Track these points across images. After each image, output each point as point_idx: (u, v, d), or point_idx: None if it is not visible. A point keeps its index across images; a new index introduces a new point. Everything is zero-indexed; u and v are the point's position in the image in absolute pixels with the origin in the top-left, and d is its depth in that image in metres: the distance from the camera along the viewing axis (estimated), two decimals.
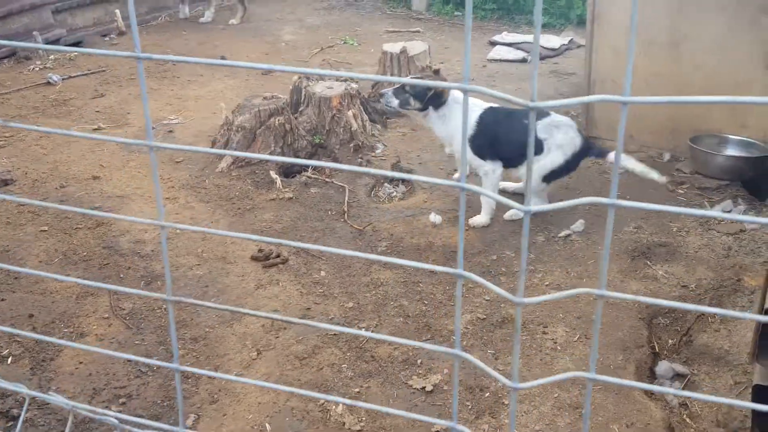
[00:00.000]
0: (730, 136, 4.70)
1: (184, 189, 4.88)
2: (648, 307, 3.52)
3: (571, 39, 7.87)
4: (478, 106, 4.42)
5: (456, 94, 4.37)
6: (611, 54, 5.09)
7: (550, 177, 4.36)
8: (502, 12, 8.84)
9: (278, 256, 4.16)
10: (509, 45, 7.71)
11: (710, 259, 3.85)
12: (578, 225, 4.26)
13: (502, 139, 4.31)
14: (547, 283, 3.81)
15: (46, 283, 3.86)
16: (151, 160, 1.11)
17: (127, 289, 1.19)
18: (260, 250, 4.19)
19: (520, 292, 0.91)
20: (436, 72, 4.78)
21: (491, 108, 4.42)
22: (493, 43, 7.88)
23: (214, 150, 1.10)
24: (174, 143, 5.53)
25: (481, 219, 4.46)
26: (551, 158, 4.30)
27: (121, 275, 3.94)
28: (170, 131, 5.74)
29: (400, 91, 4.39)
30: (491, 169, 4.39)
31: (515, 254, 4.10)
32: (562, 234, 4.23)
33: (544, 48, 7.55)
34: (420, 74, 5.01)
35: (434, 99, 4.31)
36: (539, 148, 4.30)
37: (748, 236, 4.01)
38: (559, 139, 4.30)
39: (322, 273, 4.03)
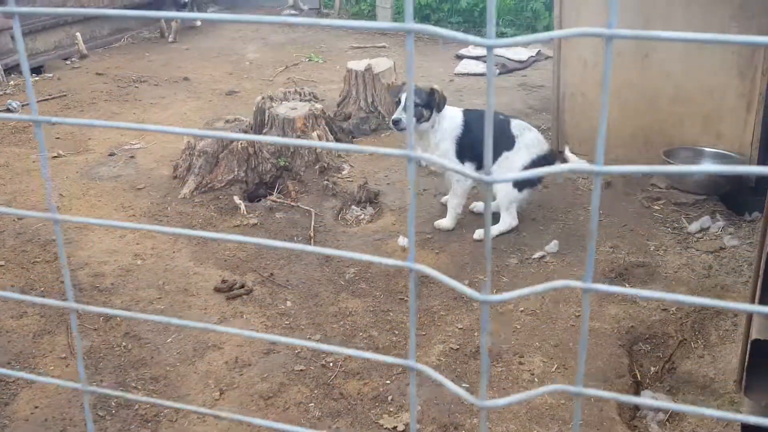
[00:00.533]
0: (705, 149, 4.62)
1: (146, 217, 4.68)
2: (628, 332, 3.40)
3: (539, 51, 7.80)
4: (458, 110, 4.55)
5: (450, 115, 4.46)
6: (580, 66, 5.01)
7: (520, 183, 4.44)
8: (468, 25, 8.77)
9: (242, 286, 3.99)
10: (476, 58, 7.62)
11: (690, 280, 3.74)
12: (552, 246, 4.14)
13: (476, 136, 4.44)
14: (521, 309, 3.67)
15: (2, 322, 3.66)
16: (38, 137, 0.99)
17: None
18: (224, 281, 4.01)
19: (483, 391, 0.76)
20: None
21: (468, 110, 4.62)
22: (460, 57, 7.79)
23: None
24: (136, 169, 5.34)
25: (446, 222, 4.51)
26: (520, 156, 4.43)
27: (80, 311, 3.74)
28: (132, 156, 5.54)
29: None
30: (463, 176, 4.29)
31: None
32: (536, 255, 4.11)
33: (512, 60, 7.48)
34: (403, 85, 4.81)
35: (443, 103, 4.38)
36: (511, 143, 4.45)
37: (728, 254, 3.92)
38: (528, 138, 4.47)
39: (288, 303, 3.87)
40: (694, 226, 4.15)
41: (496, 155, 4.42)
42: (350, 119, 5.91)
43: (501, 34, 8.49)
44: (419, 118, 4.33)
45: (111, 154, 5.57)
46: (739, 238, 4.06)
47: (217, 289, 3.97)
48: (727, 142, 4.61)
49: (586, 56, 4.96)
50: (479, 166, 4.36)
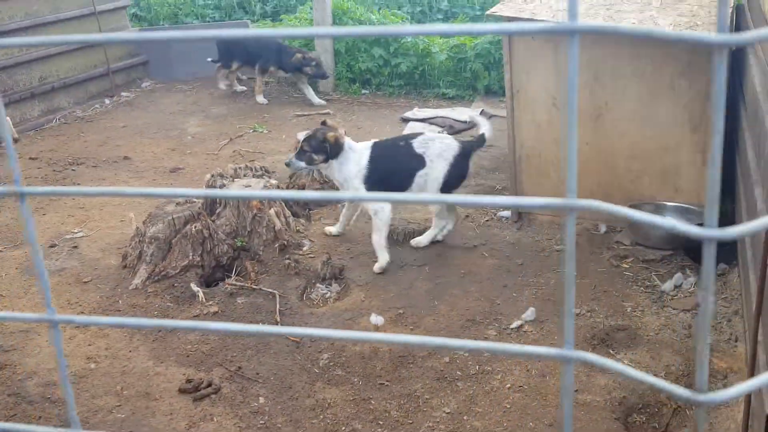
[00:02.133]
0: (666, 203, 4.64)
1: (95, 313, 4.37)
2: (621, 403, 3.29)
3: (482, 110, 7.86)
4: (366, 147, 4.80)
5: (350, 143, 4.74)
6: (534, 128, 5.01)
7: (446, 187, 4.73)
8: (409, 87, 8.80)
9: (209, 385, 3.72)
10: (422, 121, 7.62)
11: (673, 342, 3.68)
12: (529, 313, 4.03)
13: (391, 167, 4.75)
14: (508, 385, 3.53)
15: None
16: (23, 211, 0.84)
17: None
18: (188, 381, 3.73)
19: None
20: (324, 123, 5.00)
21: (376, 143, 4.88)
22: (405, 120, 7.77)
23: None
24: (80, 259, 5.02)
25: (380, 264, 4.69)
26: (436, 167, 4.73)
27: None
28: (75, 246, 5.22)
29: (302, 153, 4.70)
30: (380, 207, 4.69)
31: (469, 353, 3.81)
32: (514, 325, 3.99)
33: (458, 121, 7.50)
34: (311, 131, 4.86)
35: (335, 150, 4.65)
36: (422, 162, 4.74)
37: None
38: (436, 149, 4.74)
39: (261, 399, 3.62)
40: (667, 285, 4.12)
41: (410, 179, 4.74)
42: (304, 190, 5.76)
43: (443, 95, 8.55)
44: (309, 162, 4.69)
45: (52, 246, 5.24)
46: (713, 293, 4.04)
47: (182, 390, 3.69)
48: (685, 195, 4.65)
49: (539, 117, 4.97)
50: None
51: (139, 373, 3.82)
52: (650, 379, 0.75)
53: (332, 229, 5.15)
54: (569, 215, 0.68)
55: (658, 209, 4.66)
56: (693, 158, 4.57)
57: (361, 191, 4.64)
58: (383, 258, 4.67)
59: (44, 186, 6.33)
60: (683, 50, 4.33)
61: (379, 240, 4.71)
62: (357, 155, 4.74)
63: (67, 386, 0.89)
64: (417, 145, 4.75)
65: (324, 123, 5.00)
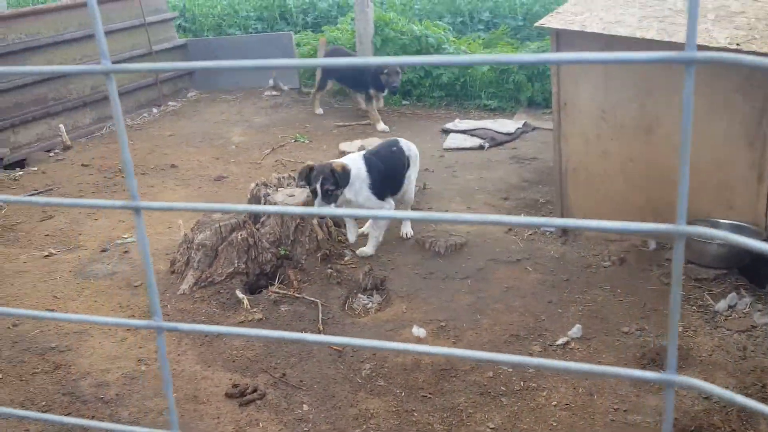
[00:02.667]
0: (720, 221, 4.54)
1: (145, 317, 4.44)
2: (673, 426, 3.22)
3: (525, 122, 7.83)
4: (357, 158, 5.00)
5: (354, 172, 4.82)
6: (581, 141, 4.96)
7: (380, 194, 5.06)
8: (450, 99, 8.80)
9: (255, 390, 3.75)
10: (463, 132, 7.61)
11: (727, 363, 3.60)
12: (576, 330, 3.98)
13: (387, 171, 5.04)
14: (554, 402, 3.48)
15: None
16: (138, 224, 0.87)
17: None
18: (235, 386, 3.77)
19: None
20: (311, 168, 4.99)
21: (366, 152, 5.15)
22: (446, 131, 7.77)
23: None
24: (131, 264, 5.11)
25: (368, 249, 5.06)
26: (414, 169, 5.34)
27: (85, 426, 3.47)
28: (126, 251, 5.32)
29: (326, 195, 4.68)
30: (388, 206, 5.06)
31: (513, 369, 3.78)
32: (560, 342, 3.94)
33: (500, 133, 7.47)
34: (317, 168, 4.77)
35: (343, 179, 4.73)
36: (408, 163, 5.24)
37: (761, 333, 3.79)
38: (414, 151, 5.32)
39: (305, 407, 3.63)
40: (721, 305, 4.03)
41: (402, 179, 5.21)
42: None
43: (484, 107, 8.53)
44: (336, 199, 4.72)
45: (104, 250, 5.35)
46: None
47: (229, 395, 3.72)
48: (739, 213, 4.55)
49: (587, 130, 4.92)
50: (394, 192, 5.17)
51: (187, 376, 3.87)
52: (699, 384, 0.74)
53: (367, 250, 5.08)
54: (678, 241, 0.68)
55: (712, 227, 4.56)
56: (748, 174, 4.47)
57: (373, 200, 4.94)
58: (370, 249, 5.05)
59: (95, 193, 6.47)
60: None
61: (378, 236, 5.07)
62: (355, 170, 4.85)
63: (169, 389, 0.91)
64: (404, 146, 5.23)
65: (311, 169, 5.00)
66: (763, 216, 4.50)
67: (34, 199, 1.03)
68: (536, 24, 4.67)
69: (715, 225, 4.53)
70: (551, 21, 4.59)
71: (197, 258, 4.76)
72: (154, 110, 9.13)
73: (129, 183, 1.06)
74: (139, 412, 3.57)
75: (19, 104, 7.81)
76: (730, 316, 4.02)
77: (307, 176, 4.74)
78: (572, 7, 4.94)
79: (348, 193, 4.82)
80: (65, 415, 3.53)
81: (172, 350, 4.09)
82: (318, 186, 4.64)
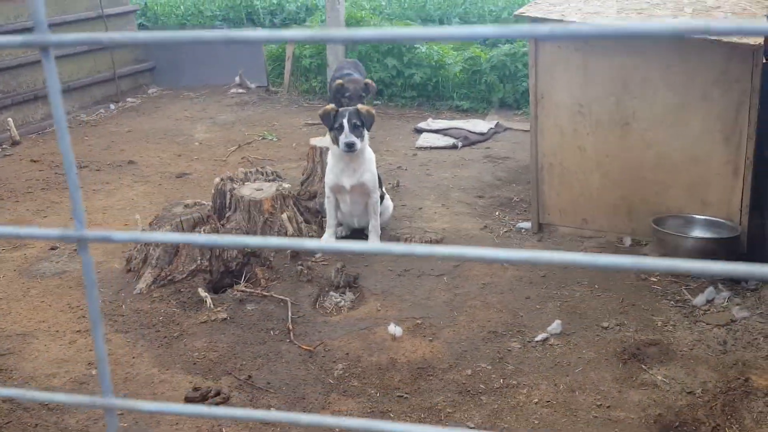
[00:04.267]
0: (695, 216, 4.45)
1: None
2: (656, 421, 3.09)
3: (497, 122, 7.72)
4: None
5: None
6: (558, 135, 4.84)
7: None
8: (422, 99, 8.66)
9: (218, 394, 3.51)
10: (436, 131, 7.46)
11: (708, 358, 3.48)
12: (555, 326, 3.83)
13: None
14: (535, 400, 3.32)
15: None
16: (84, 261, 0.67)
17: None
18: (196, 389, 3.53)
19: None
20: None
21: None
22: (419, 130, 7.62)
23: None
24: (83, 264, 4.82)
25: (374, 240, 4.90)
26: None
27: None
28: (77, 249, 5.02)
29: (354, 128, 4.58)
30: (387, 199, 5.12)
31: (492, 366, 3.61)
32: (539, 338, 3.79)
33: (473, 133, 7.35)
34: (347, 109, 4.77)
35: (368, 120, 4.66)
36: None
37: (741, 327, 3.69)
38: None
39: (272, 411, 3.41)
40: (699, 299, 3.93)
41: None
42: (316, 198, 5.58)
43: (457, 107, 8.41)
44: (361, 136, 4.61)
45: (53, 248, 5.05)
46: (748, 308, 3.85)
47: (189, 399, 3.48)
48: (714, 209, 4.47)
49: (564, 125, 4.80)
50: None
51: (143, 380, 3.61)
52: None
53: (332, 240, 4.94)
54: None
55: (687, 223, 4.48)
56: (723, 170, 4.39)
57: (376, 179, 4.90)
58: (377, 239, 4.92)
59: (45, 189, 6.15)
60: (718, 58, 4.18)
61: (375, 225, 4.91)
62: (368, 146, 4.86)
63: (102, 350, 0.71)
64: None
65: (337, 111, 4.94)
66: (737, 211, 4.43)
67: None
68: (515, 13, 4.55)
69: (690, 220, 4.44)
70: (530, 10, 4.48)
71: (156, 255, 4.51)
72: (112, 106, 8.80)
73: (73, 199, 0.84)
74: (88, 419, 3.31)
75: None
76: (709, 310, 3.92)
77: (336, 114, 4.66)
78: None
79: (362, 158, 4.72)
80: (4, 425, 3.25)
81: (127, 352, 3.84)
82: (345, 120, 4.56)
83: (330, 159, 4.87)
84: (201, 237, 0.76)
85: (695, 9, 4.50)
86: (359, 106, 4.77)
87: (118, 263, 4.79)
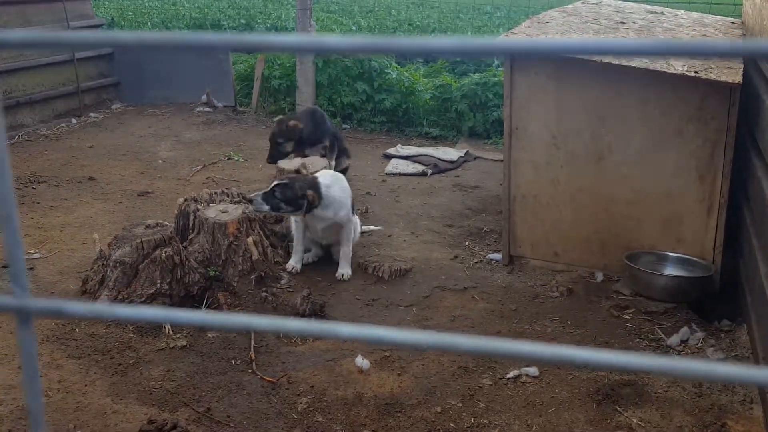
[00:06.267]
0: (669, 254, 4.42)
1: (49, 342, 3.95)
2: None
3: (467, 151, 7.67)
4: (330, 174, 4.88)
5: (327, 188, 4.63)
6: (531, 168, 4.79)
7: None
8: (391, 125, 8.58)
9: (174, 427, 3.31)
10: (406, 158, 7.38)
11: (684, 400, 3.40)
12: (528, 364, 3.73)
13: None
14: None
15: None
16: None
17: None
18: (151, 422, 3.32)
19: None
20: (298, 171, 4.97)
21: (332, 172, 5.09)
22: (388, 156, 7.53)
23: None
24: (35, 282, 4.59)
25: (348, 270, 4.77)
26: None
27: None
28: (30, 268, 4.78)
29: (270, 197, 4.51)
30: (357, 220, 5.03)
31: (462, 403, 3.49)
32: (511, 375, 3.68)
33: (443, 161, 7.29)
34: (289, 180, 4.70)
35: (310, 207, 4.56)
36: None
37: None
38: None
39: None
40: (674, 339, 3.87)
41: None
42: (283, 221, 5.42)
43: (426, 134, 8.35)
44: (275, 209, 4.57)
45: (4, 266, 4.80)
46: (723, 350, 3.80)
47: None
48: (688, 246, 4.45)
49: (537, 157, 4.75)
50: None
51: (95, 410, 3.40)
52: None
53: (348, 270, 4.80)
54: None
55: (660, 260, 4.44)
56: (697, 208, 4.38)
57: (351, 213, 4.80)
58: (349, 269, 4.78)
59: None
60: (694, 94, 4.18)
61: (347, 252, 4.79)
62: (340, 185, 4.76)
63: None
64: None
65: (298, 171, 4.84)
66: (711, 250, 4.41)
67: None
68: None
69: (663, 257, 4.41)
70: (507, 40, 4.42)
71: (114, 276, 4.30)
72: (73, 120, 8.54)
73: (13, 258, 0.71)
74: None
75: None
76: (683, 351, 3.87)
77: (277, 178, 4.81)
78: (526, 28, 4.81)
79: (328, 212, 4.66)
80: None
81: (78, 380, 3.62)
82: (273, 186, 4.57)
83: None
84: (184, 313, 0.63)
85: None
86: (308, 191, 4.53)
87: (74, 283, 4.57)
